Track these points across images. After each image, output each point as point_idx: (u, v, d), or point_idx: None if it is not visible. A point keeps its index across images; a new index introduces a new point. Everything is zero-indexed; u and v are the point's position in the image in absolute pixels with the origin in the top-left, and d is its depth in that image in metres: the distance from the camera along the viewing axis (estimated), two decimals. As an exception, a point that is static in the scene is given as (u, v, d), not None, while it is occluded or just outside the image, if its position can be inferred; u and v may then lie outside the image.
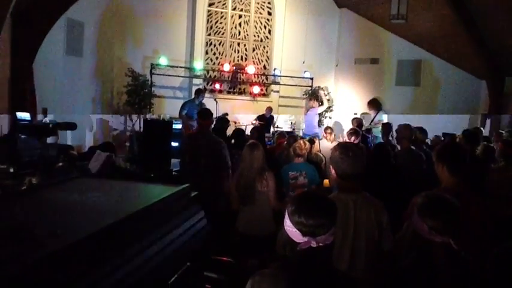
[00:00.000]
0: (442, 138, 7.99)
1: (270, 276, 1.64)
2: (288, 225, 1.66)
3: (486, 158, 5.10)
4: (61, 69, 8.60)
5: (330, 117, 12.47)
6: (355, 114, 11.78)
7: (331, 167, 2.73)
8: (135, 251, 1.82)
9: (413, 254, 2.09)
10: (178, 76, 11.45)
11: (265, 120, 10.82)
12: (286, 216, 1.68)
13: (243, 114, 11.38)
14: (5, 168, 2.66)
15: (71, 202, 2.13)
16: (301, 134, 9.91)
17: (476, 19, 9.57)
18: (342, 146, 2.76)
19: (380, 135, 8.70)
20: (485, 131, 10.53)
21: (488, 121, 11.02)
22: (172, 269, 2.12)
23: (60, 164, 3.29)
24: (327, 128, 7.82)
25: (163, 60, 10.99)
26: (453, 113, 11.28)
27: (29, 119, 4.04)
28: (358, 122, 8.55)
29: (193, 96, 9.87)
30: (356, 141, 5.61)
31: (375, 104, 10.84)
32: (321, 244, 1.61)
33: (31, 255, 1.41)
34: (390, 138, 7.17)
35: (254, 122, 10.32)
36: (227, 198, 4.70)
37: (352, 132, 5.91)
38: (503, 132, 7.83)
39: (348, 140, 5.74)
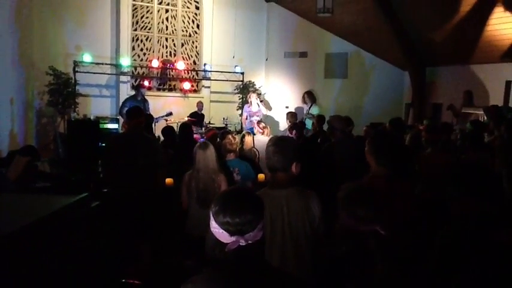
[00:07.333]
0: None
1: (203, 281, 1.55)
2: (214, 227, 1.58)
3: (414, 145, 5.34)
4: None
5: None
6: (287, 107, 11.92)
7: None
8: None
9: (345, 246, 2.17)
10: (104, 74, 10.95)
11: (198, 117, 10.65)
12: (211, 217, 1.60)
13: (174, 111, 11.13)
14: None
15: None
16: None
17: (397, 11, 9.95)
18: (273, 139, 2.73)
19: (311, 127, 8.89)
20: (409, 120, 11.07)
21: (411, 110, 11.56)
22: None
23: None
24: (258, 122, 7.83)
25: (87, 57, 10.46)
26: (379, 103, 11.71)
27: None
28: (294, 115, 8.65)
29: (125, 93, 9.45)
30: (296, 135, 5.71)
31: (311, 97, 11.16)
32: (250, 242, 1.54)
33: None
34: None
35: (186, 119, 10.12)
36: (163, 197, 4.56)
37: (292, 127, 6.04)
38: (425, 121, 8.20)
39: (289, 135, 5.84)
